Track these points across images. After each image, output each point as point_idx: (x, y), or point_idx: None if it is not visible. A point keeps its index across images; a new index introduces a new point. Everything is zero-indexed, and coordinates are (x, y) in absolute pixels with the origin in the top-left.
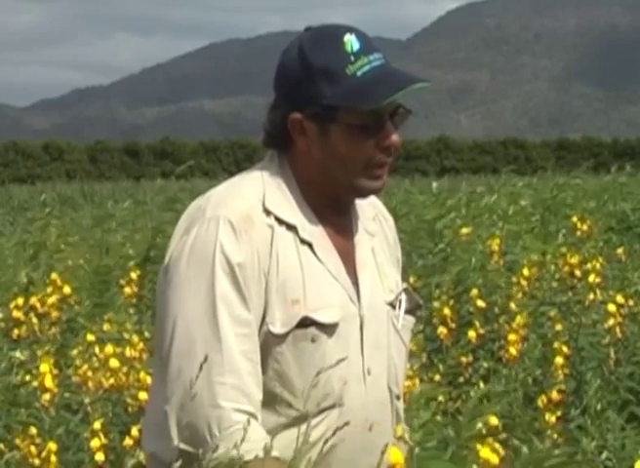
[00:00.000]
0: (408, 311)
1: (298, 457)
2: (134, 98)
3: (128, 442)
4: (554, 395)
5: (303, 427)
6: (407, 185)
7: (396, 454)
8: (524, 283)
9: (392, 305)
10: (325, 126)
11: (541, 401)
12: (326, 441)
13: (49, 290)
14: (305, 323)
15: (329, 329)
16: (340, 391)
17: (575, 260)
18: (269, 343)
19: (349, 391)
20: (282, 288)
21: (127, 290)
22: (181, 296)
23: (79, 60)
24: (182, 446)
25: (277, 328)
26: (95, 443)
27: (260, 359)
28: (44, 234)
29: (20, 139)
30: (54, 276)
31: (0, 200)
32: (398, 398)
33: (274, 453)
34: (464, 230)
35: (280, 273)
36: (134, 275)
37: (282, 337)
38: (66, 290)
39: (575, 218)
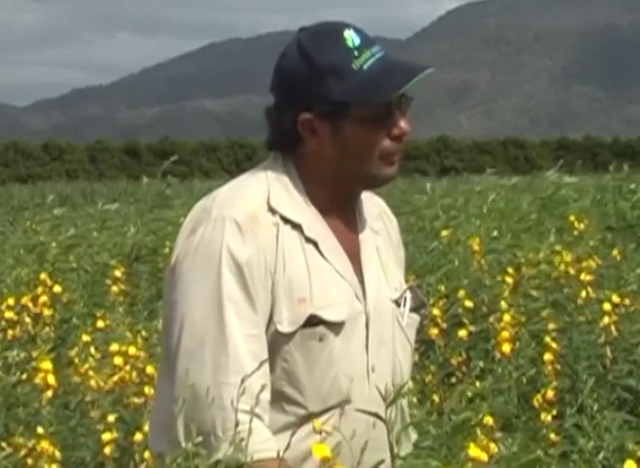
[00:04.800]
0: (413, 309)
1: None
2: (134, 98)
3: (138, 437)
4: (549, 394)
5: (310, 426)
6: (403, 185)
7: (321, 449)
8: (509, 280)
9: (397, 303)
10: (337, 123)
11: (537, 400)
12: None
13: (39, 290)
14: (313, 321)
15: (336, 327)
16: (347, 389)
17: (569, 259)
18: (277, 342)
19: (354, 389)
20: (288, 286)
21: (114, 288)
22: (188, 297)
23: (79, 60)
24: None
25: (284, 326)
26: (106, 436)
27: (268, 359)
28: (47, 235)
29: (19, 139)
30: (42, 276)
31: (0, 200)
32: (403, 396)
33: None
34: (444, 232)
35: (286, 272)
36: (118, 273)
37: (289, 336)
38: (56, 289)
39: (572, 217)
